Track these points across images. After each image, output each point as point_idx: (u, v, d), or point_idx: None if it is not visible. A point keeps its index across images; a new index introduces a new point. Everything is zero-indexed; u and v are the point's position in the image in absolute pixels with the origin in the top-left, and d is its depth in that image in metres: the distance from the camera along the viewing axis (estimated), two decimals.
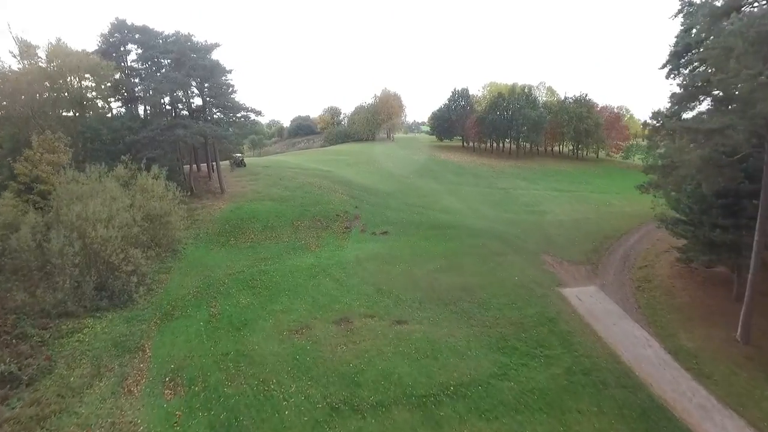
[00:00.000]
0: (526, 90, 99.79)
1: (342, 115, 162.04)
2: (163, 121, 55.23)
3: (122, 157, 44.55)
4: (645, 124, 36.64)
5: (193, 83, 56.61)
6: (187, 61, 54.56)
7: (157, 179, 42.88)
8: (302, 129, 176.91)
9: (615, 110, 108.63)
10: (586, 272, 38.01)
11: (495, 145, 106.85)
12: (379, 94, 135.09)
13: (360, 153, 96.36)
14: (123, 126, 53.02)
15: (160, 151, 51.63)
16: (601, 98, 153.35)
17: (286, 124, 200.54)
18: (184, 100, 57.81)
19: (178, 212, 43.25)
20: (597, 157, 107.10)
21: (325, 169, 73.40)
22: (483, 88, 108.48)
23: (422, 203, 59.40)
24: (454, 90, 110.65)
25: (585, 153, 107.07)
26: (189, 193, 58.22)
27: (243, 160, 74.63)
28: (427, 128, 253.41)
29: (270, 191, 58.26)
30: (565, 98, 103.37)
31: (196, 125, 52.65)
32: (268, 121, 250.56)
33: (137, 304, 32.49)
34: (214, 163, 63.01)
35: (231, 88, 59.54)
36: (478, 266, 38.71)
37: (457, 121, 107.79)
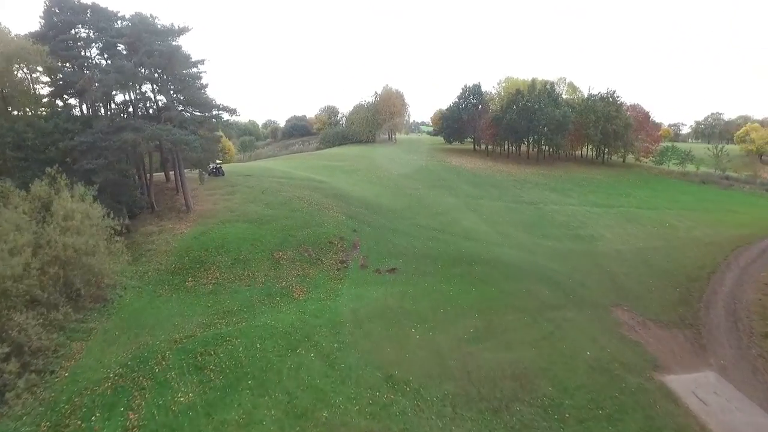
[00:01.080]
0: (548, 86, 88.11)
1: (340, 115, 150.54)
2: (112, 122, 43.58)
3: (48, 169, 33.54)
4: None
5: (155, 75, 44.98)
6: (141, 47, 42.92)
7: (84, 200, 31.55)
8: (297, 130, 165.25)
9: (644, 109, 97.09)
10: (686, 342, 26.43)
11: (512, 148, 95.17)
12: (380, 92, 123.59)
13: (359, 158, 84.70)
14: (57, 128, 41.29)
15: (102, 161, 39.93)
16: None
17: (283, 124, 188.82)
18: (138, 97, 46.16)
19: (113, 247, 31.85)
20: (623, 161, 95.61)
21: (318, 179, 61.82)
22: (498, 84, 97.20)
23: (438, 224, 47.83)
24: (465, 86, 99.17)
25: (609, 157, 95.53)
26: (151, 211, 47.02)
27: (221, 167, 62.99)
28: (428, 128, 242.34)
29: (247, 209, 46.60)
30: (590, 95, 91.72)
31: (151, 127, 40.90)
32: (264, 121, 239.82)
33: (12, 410, 20.89)
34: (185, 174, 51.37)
35: (198, 81, 47.98)
36: (528, 330, 27.11)
37: (468, 122, 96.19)
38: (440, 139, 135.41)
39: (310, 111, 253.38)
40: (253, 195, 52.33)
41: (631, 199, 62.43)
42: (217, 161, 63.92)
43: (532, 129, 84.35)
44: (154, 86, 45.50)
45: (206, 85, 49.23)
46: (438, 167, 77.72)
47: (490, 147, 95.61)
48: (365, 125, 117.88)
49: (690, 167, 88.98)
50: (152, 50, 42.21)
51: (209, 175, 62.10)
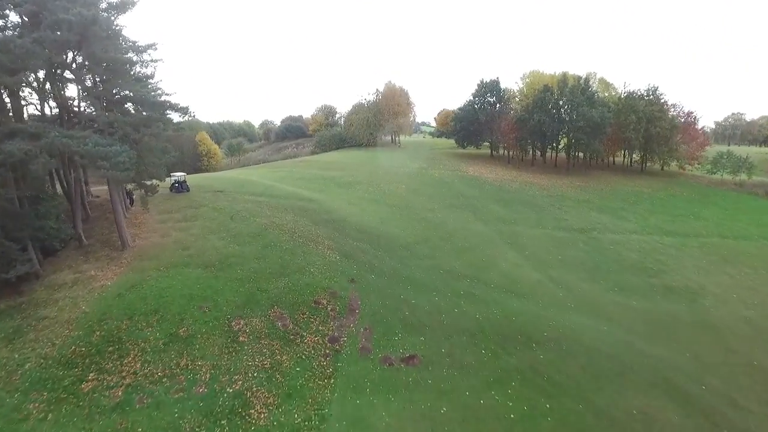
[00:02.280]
0: (582, 81, 74.79)
1: (338, 115, 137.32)
2: None
3: None
4: None
5: (64, 57, 31.82)
6: (47, 17, 29.78)
7: None
8: (292, 131, 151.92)
9: (685, 109, 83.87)
10: None
11: (536, 154, 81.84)
12: (382, 89, 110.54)
13: (359, 165, 71.56)
14: None
15: None
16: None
17: (278, 124, 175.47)
18: (47, 87, 32.92)
19: None
20: (662, 169, 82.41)
21: (307, 196, 48.73)
22: (521, 80, 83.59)
23: (468, 267, 34.71)
24: (481, 82, 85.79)
25: (646, 164, 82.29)
26: (78, 245, 33.99)
27: (185, 181, 49.86)
28: (429, 128, 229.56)
29: (206, 245, 33.50)
30: (629, 93, 78.43)
31: (52, 134, 27.69)
32: (261, 122, 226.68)
33: None
34: (134, 193, 38.34)
35: (137, 70, 34.95)
36: None
37: (486, 123, 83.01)
38: (448, 141, 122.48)
39: (308, 111, 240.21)
40: (218, 222, 39.34)
41: (704, 223, 49.29)
42: (178, 174, 51.03)
43: (566, 132, 71.21)
44: (65, 73, 32.32)
45: (150, 76, 36.21)
46: (454, 178, 64.58)
47: (510, 153, 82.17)
48: (365, 127, 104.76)
49: (742, 176, 76.02)
50: (58, 20, 29.02)
51: (171, 191, 49.49)
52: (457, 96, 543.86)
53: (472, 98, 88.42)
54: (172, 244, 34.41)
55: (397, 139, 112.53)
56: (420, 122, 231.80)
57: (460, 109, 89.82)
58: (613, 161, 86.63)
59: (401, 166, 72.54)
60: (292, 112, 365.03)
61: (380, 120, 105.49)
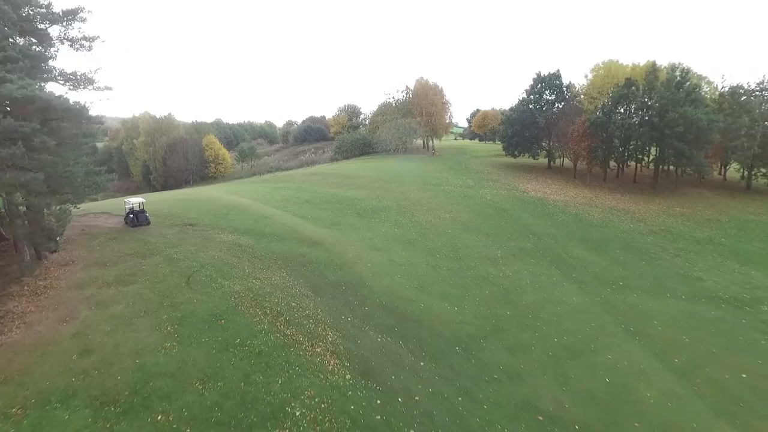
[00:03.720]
0: (678, 73, 57.25)
1: (362, 116, 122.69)
2: None
3: None
4: None
5: None
6: None
7: None
8: (312, 133, 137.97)
9: None
10: None
11: (614, 167, 64.45)
12: (412, 86, 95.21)
13: (386, 182, 56.23)
14: None
15: None
16: None
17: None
18: None
19: None
20: None
21: (312, 236, 33.79)
22: (591, 72, 66.20)
23: (584, 406, 18.79)
24: (538, 76, 69.18)
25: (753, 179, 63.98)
26: None
27: (143, 211, 35.61)
28: (459, 129, 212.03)
29: (122, 349, 18.65)
30: (735, 88, 60.31)
31: None
32: (284, 122, 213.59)
33: None
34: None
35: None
36: None
37: (545, 128, 66.44)
38: (488, 147, 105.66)
39: (331, 110, 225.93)
40: (165, 288, 24.79)
41: None
42: (134, 200, 36.97)
43: (659, 138, 53.97)
44: None
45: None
46: (513, 202, 48.49)
47: (575, 163, 65.07)
48: (394, 130, 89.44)
49: None
50: None
51: (126, 224, 35.77)
52: (493, 95, 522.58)
53: (525, 96, 71.97)
54: (67, 341, 19.91)
55: (431, 144, 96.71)
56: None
57: (512, 109, 73.34)
58: (702, 175, 68.56)
59: (440, 182, 56.83)
60: (314, 112, 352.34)
61: (411, 122, 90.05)
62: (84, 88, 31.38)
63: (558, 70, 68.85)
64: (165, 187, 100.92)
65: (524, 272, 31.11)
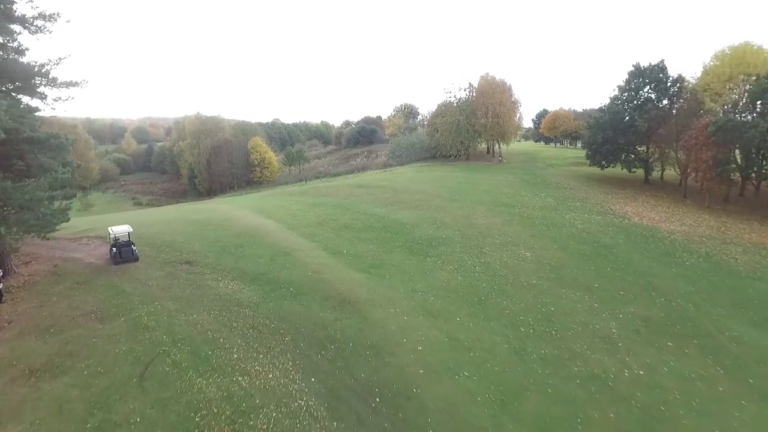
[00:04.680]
0: None
1: (419, 117, 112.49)
2: None
3: None
4: None
5: None
6: None
7: None
8: (365, 135, 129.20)
9: None
10: None
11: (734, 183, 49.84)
12: (476, 83, 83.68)
13: (446, 199, 45.81)
14: None
15: None
16: None
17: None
18: None
19: None
20: None
21: (342, 290, 24.26)
22: (713, 60, 51.28)
23: None
24: (636, 67, 55.83)
25: None
26: None
27: (130, 243, 27.54)
28: (522, 131, 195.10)
29: None
30: None
31: None
32: (342, 122, 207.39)
33: None
34: None
35: None
36: None
37: (646, 133, 53.09)
38: (561, 152, 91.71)
39: (387, 110, 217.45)
40: (102, 389, 15.81)
41: None
42: (119, 229, 28.91)
43: None
44: None
45: None
46: (615, 234, 36.41)
47: (687, 179, 51.00)
48: (455, 133, 78.54)
49: None
50: None
51: (111, 259, 27.94)
52: (561, 93, 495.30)
53: (617, 93, 58.82)
54: None
55: (497, 149, 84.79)
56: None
57: (602, 110, 60.11)
58: None
59: (514, 201, 45.58)
60: (370, 111, 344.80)
61: (475, 124, 78.76)
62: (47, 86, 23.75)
63: (662, 61, 55.18)
64: (209, 192, 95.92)
65: (663, 369, 19.82)
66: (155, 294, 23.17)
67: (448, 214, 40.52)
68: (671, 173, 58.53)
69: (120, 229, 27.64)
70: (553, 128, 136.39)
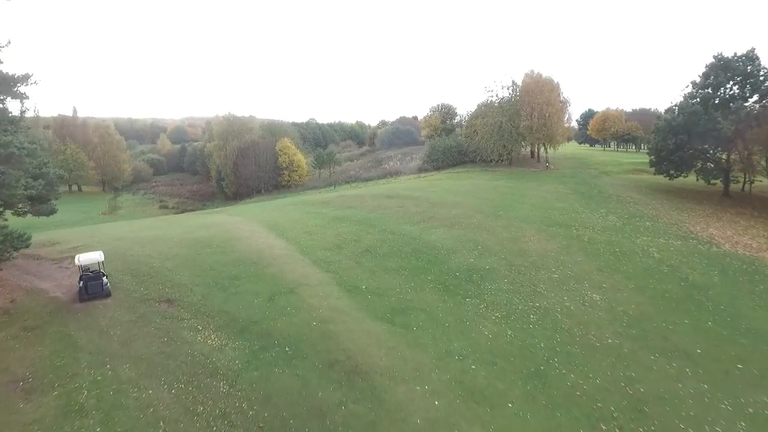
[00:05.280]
0: None
1: (457, 118, 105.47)
2: None
3: None
4: None
5: None
6: None
7: None
8: (400, 136, 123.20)
9: None
10: None
11: None
12: (520, 81, 76.16)
13: (489, 218, 39.15)
14: None
15: None
16: None
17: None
18: None
19: None
20: None
21: (355, 347, 18.28)
22: None
23: None
24: (719, 59, 47.16)
25: None
26: None
27: (101, 275, 22.57)
28: (570, 133, 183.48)
29: None
30: None
31: None
32: (377, 122, 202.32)
33: None
34: None
35: None
36: None
37: (732, 137, 44.58)
38: (612, 156, 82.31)
39: (423, 110, 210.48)
40: None
41: None
42: (87, 257, 23.79)
43: None
44: None
45: None
46: (707, 268, 28.78)
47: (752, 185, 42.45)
48: (497, 136, 71.39)
49: None
50: None
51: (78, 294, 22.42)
52: (606, 92, 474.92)
53: (692, 90, 50.30)
54: None
55: (543, 153, 76.96)
56: None
57: (670, 111, 51.65)
58: None
59: (570, 219, 38.35)
60: (406, 111, 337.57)
61: (519, 125, 71.38)
62: None
63: (753, 50, 46.45)
64: (236, 196, 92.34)
65: None
66: (113, 351, 17.92)
67: (491, 235, 33.91)
68: (760, 184, 49.76)
69: (88, 258, 22.67)
70: (602, 130, 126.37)
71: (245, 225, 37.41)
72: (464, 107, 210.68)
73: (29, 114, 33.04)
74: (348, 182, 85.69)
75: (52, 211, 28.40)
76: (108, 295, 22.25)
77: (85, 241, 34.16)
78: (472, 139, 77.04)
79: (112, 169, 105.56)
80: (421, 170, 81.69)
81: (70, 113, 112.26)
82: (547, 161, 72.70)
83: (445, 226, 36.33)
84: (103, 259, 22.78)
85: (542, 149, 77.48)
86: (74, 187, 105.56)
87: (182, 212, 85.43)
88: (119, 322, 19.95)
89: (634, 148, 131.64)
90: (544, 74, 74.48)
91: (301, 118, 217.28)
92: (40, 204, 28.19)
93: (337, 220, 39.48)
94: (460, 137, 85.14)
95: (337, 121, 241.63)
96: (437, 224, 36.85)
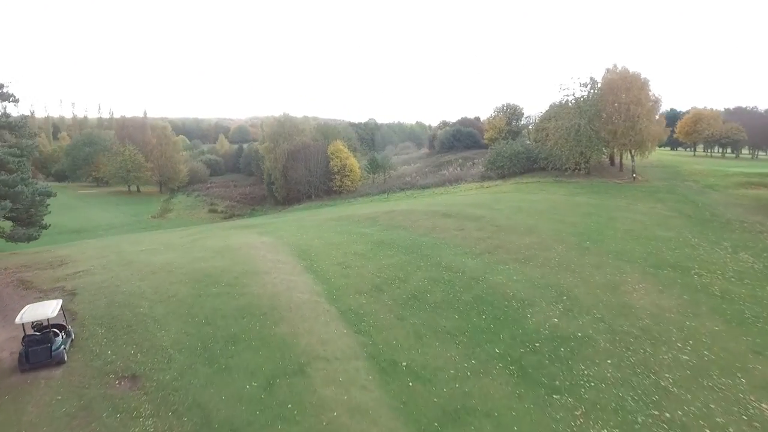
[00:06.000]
0: None
1: (524, 119, 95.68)
2: None
3: None
4: None
5: None
6: None
7: None
8: (461, 139, 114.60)
9: None
10: None
11: None
12: (600, 78, 65.88)
13: (573, 251, 30.77)
14: None
15: None
16: None
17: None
18: None
19: None
20: None
21: None
22: None
23: None
24: None
25: None
26: None
27: (45, 339, 16.87)
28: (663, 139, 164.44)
29: None
30: None
31: None
32: (438, 122, 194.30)
33: None
34: None
35: None
36: None
37: None
38: (704, 160, 68.77)
39: (487, 111, 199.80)
40: None
41: None
42: (29, 314, 17.79)
43: None
44: None
45: None
46: None
47: None
48: (573, 141, 61.74)
49: None
50: None
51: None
52: (692, 91, 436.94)
53: None
54: None
55: (629, 162, 66.05)
56: None
57: None
58: None
59: (684, 255, 29.11)
60: (468, 112, 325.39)
61: (600, 129, 61.31)
62: None
63: None
64: (286, 201, 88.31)
65: None
66: None
67: (578, 278, 25.67)
68: None
69: (34, 314, 17.14)
70: (693, 132, 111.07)
71: (271, 251, 31.41)
72: (531, 108, 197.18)
73: (39, 115, 28.84)
74: (403, 189, 79.08)
75: (31, 237, 23.54)
76: (60, 362, 16.70)
77: (95, 262, 29.68)
78: (543, 144, 67.68)
79: (169, 170, 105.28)
80: (483, 178, 73.39)
81: (140, 114, 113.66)
82: (633, 171, 61.88)
83: (516, 260, 28.45)
84: (55, 314, 17.20)
85: (626, 156, 66.62)
86: (133, 188, 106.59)
87: (230, 217, 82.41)
88: (52, 416, 14.18)
89: (731, 152, 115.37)
90: (631, 68, 63.77)
91: (361, 118, 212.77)
92: (23, 227, 23.37)
93: (382, 245, 32.67)
94: (527, 141, 75.76)
95: (396, 122, 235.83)
96: (506, 257, 29.04)
